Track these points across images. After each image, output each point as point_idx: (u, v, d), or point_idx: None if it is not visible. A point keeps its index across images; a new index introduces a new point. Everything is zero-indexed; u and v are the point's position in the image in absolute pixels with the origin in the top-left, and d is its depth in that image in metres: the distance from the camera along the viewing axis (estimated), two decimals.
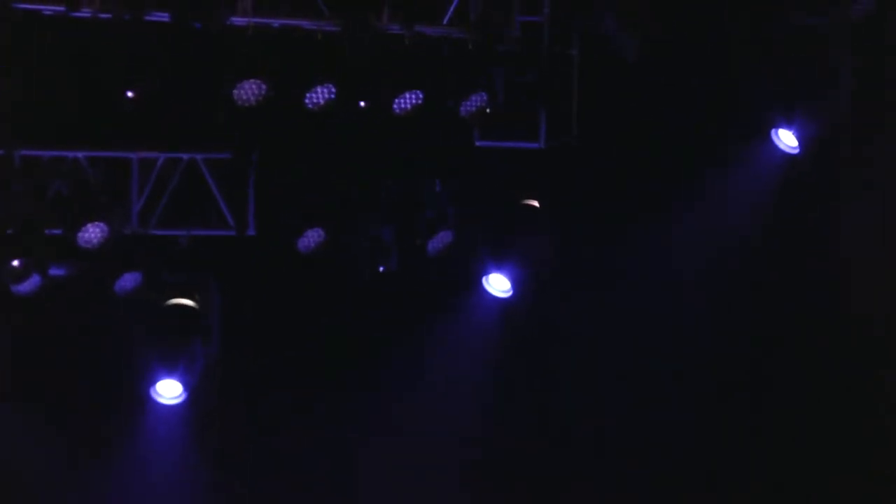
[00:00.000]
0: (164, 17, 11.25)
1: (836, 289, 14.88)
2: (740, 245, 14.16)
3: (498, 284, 12.95)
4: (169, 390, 12.50)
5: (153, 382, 12.47)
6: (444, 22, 11.73)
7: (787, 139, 12.94)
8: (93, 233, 11.77)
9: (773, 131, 12.97)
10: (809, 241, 14.65)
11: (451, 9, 11.96)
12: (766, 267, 14.86)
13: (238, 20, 11.28)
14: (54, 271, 11.92)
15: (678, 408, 14.93)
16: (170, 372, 12.32)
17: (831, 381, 15.00)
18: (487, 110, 11.80)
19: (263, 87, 11.21)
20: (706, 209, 13.88)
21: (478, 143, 12.25)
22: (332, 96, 11.36)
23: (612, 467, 14.90)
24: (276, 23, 11.42)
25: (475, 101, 11.75)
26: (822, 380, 14.98)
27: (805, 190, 14.17)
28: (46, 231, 11.83)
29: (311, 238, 12.08)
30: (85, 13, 11.24)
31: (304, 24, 11.49)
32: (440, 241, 12.26)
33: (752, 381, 15.10)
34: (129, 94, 11.51)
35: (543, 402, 14.54)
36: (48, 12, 11.32)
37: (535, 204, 12.66)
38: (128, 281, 12.07)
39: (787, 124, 12.90)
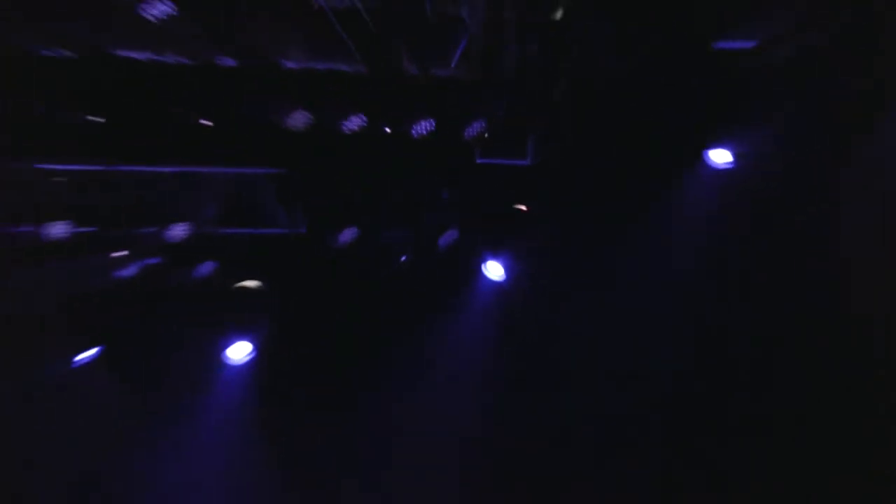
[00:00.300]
0: (232, 62, 12.60)
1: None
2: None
3: (494, 271, 14.38)
4: (237, 354, 14.43)
5: (225, 348, 14.38)
6: (452, 65, 12.94)
7: (719, 157, 13.50)
8: (178, 231, 13.48)
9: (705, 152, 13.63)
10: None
11: (458, 54, 12.97)
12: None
13: (291, 64, 12.81)
14: (149, 261, 13.75)
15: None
16: (237, 339, 14.33)
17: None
18: (485, 135, 13.30)
19: (309, 116, 12.83)
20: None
21: (478, 161, 13.73)
22: (364, 124, 12.94)
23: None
24: (319, 66, 12.89)
25: (475, 128, 13.20)
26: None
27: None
28: (144, 229, 13.40)
29: (348, 235, 13.84)
30: (169, 58, 12.54)
31: (343, 67, 12.83)
32: (448, 237, 14.03)
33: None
34: (203, 122, 12.90)
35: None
36: (141, 58, 12.59)
37: (524, 208, 14.06)
38: (205, 268, 13.91)
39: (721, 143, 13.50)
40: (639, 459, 15.54)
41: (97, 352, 14.18)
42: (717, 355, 15.57)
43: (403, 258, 14.12)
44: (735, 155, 13.75)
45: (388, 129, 13.07)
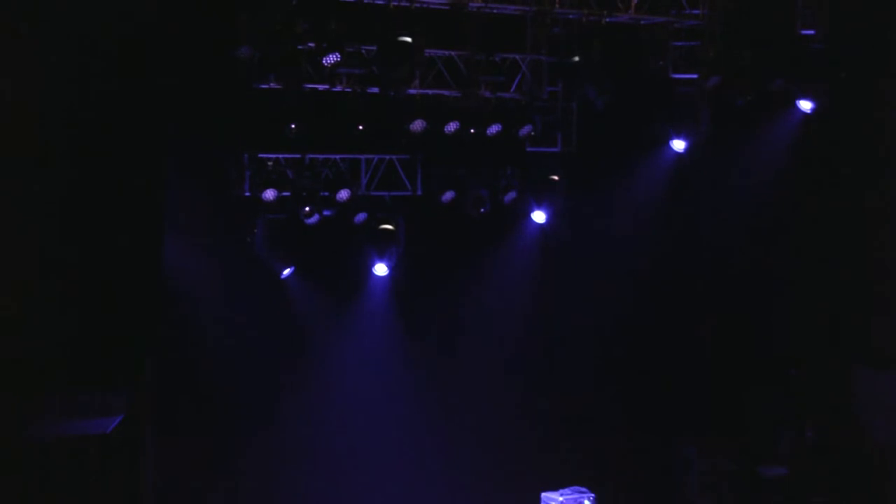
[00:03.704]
0: (375, 89, 16.29)
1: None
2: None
3: (538, 217, 17.88)
4: (381, 270, 17.33)
5: (372, 265, 17.32)
6: (512, 89, 17.12)
7: (677, 146, 17.61)
8: (343, 194, 16.81)
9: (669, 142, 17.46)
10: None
11: (514, 85, 17.07)
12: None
13: (412, 91, 16.53)
14: (325, 213, 16.71)
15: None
16: (380, 260, 17.22)
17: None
18: (532, 133, 17.19)
19: (425, 123, 16.46)
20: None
21: (527, 149, 17.46)
22: (459, 126, 16.60)
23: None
24: (430, 92, 16.68)
25: (526, 129, 17.15)
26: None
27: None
28: (320, 193, 16.61)
29: (448, 196, 17.29)
30: (337, 88, 16.25)
31: (444, 92, 16.84)
32: (510, 196, 17.52)
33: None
34: (292, 125, 15.99)
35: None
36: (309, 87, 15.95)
37: (556, 178, 17.72)
38: (360, 217, 17.10)
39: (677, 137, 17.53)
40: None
41: (293, 269, 16.93)
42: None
43: (483, 210, 17.29)
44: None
45: (472, 130, 16.73)
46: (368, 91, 16.28)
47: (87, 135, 14.70)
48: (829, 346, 18.17)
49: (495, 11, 16.38)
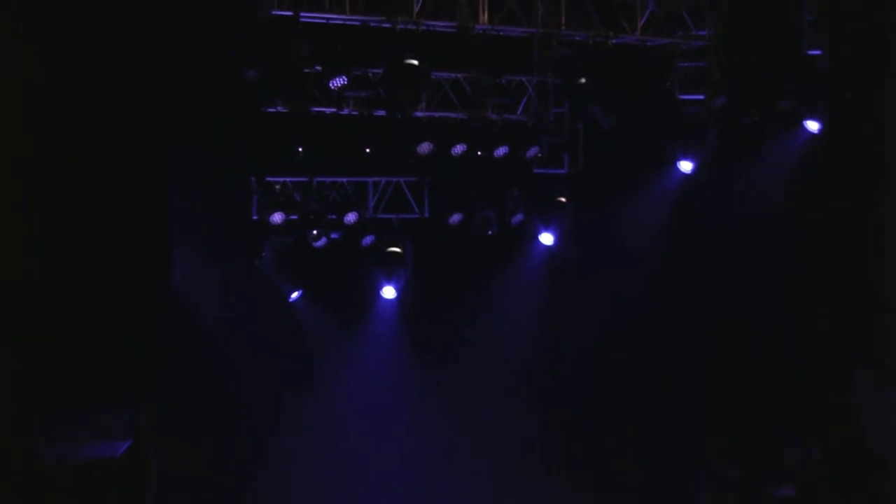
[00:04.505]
0: (381, 112, 16.18)
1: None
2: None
3: (546, 239, 17.81)
4: (389, 293, 17.31)
5: (380, 288, 17.28)
6: (519, 111, 17.14)
7: (684, 167, 17.55)
8: (350, 216, 16.81)
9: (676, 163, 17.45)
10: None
11: (521, 106, 17.09)
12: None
13: (419, 114, 16.50)
14: (333, 235, 16.75)
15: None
16: (388, 283, 17.18)
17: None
18: (539, 155, 17.19)
19: (431, 146, 16.38)
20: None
21: (534, 171, 17.43)
22: (466, 149, 16.63)
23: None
24: (437, 114, 16.64)
25: (533, 151, 17.14)
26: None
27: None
28: (329, 216, 16.59)
29: (456, 218, 17.31)
30: (344, 111, 16.29)
31: (451, 115, 16.82)
32: (517, 218, 17.53)
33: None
34: (300, 149, 16.21)
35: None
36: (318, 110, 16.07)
37: (563, 199, 17.70)
38: (368, 240, 17.07)
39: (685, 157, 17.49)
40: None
41: (300, 292, 16.99)
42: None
43: (490, 231, 17.33)
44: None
45: (479, 152, 16.77)
46: (375, 114, 16.35)
47: (88, 158, 14.92)
48: (837, 365, 18.16)
49: (501, 34, 16.37)
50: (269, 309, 16.99)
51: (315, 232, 16.62)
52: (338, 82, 15.69)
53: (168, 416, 15.93)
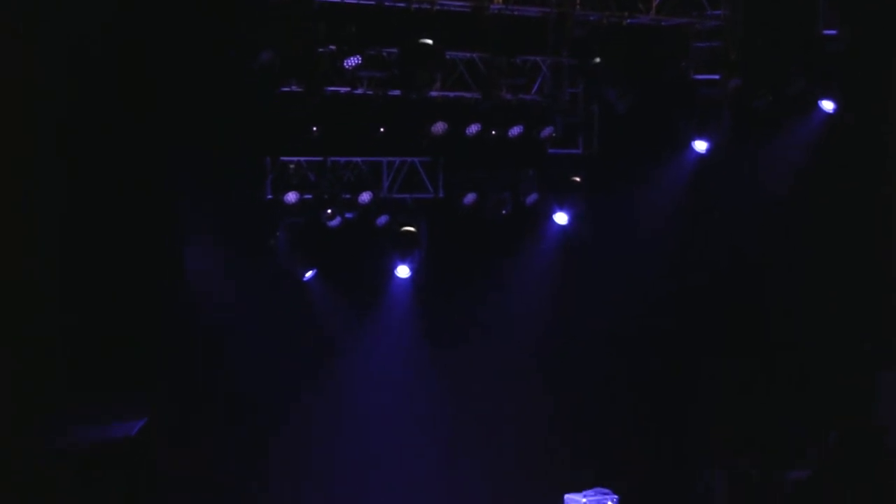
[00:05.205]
0: (396, 92, 16.19)
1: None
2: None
3: (560, 219, 17.84)
4: (403, 272, 17.32)
5: (394, 268, 17.30)
6: (533, 91, 17.19)
7: (699, 147, 17.65)
8: (365, 196, 16.81)
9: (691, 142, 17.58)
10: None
11: (535, 87, 17.11)
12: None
13: (434, 94, 16.48)
14: (347, 215, 16.74)
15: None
16: (403, 262, 17.19)
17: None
18: (553, 135, 17.23)
19: (446, 126, 16.46)
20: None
21: (549, 151, 17.49)
22: (480, 129, 16.65)
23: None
24: (451, 94, 16.70)
25: (548, 131, 17.18)
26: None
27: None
28: (344, 195, 16.62)
29: (470, 198, 17.34)
30: (359, 91, 16.14)
31: (466, 94, 16.83)
32: (532, 198, 17.59)
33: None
34: (314, 128, 16.02)
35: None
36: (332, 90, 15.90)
37: (578, 179, 17.74)
38: (382, 219, 17.09)
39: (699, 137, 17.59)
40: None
41: (314, 271, 16.84)
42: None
43: (504, 211, 17.38)
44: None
45: (493, 132, 16.75)
46: (390, 94, 16.30)
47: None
48: (854, 352, 18.16)
49: (516, 13, 16.39)
50: (282, 291, 16.90)
51: (329, 211, 16.60)
52: (352, 62, 15.66)
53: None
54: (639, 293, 18.38)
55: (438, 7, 15.87)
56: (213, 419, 16.37)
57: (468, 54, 16.60)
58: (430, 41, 15.56)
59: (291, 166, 16.80)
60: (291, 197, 16.50)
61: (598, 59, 16.46)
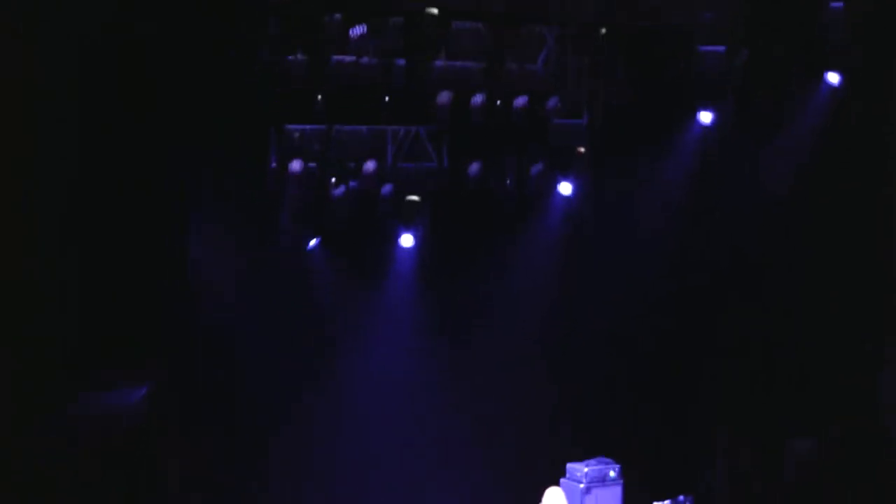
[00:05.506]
0: (401, 61, 16.23)
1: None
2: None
3: (565, 189, 17.69)
4: (407, 241, 17.20)
5: (398, 236, 17.14)
6: (539, 62, 17.07)
7: (704, 118, 17.41)
8: (369, 165, 16.69)
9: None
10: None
11: (541, 58, 17.01)
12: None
13: (438, 63, 16.55)
14: (352, 184, 16.73)
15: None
16: (406, 231, 17.14)
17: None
18: (559, 106, 17.21)
19: (451, 95, 16.53)
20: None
21: (554, 121, 17.29)
22: (485, 99, 16.63)
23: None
24: (456, 63, 16.67)
25: (553, 102, 17.25)
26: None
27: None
28: (348, 164, 16.54)
29: (475, 168, 17.24)
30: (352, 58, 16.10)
31: (471, 64, 16.76)
32: (536, 168, 17.45)
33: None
34: (318, 97, 16.06)
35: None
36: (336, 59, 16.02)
37: (582, 150, 17.64)
38: (387, 189, 16.94)
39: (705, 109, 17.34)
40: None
41: (318, 240, 16.80)
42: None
43: (509, 182, 17.36)
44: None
45: (498, 103, 16.75)
46: (395, 63, 16.27)
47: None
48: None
49: None
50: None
51: (333, 180, 16.60)
52: (358, 31, 15.71)
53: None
54: (642, 266, 18.17)
55: None
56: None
57: (474, 24, 16.56)
58: (435, 10, 15.69)
59: (296, 135, 16.61)
60: (296, 165, 16.37)
61: (603, 30, 16.66)
